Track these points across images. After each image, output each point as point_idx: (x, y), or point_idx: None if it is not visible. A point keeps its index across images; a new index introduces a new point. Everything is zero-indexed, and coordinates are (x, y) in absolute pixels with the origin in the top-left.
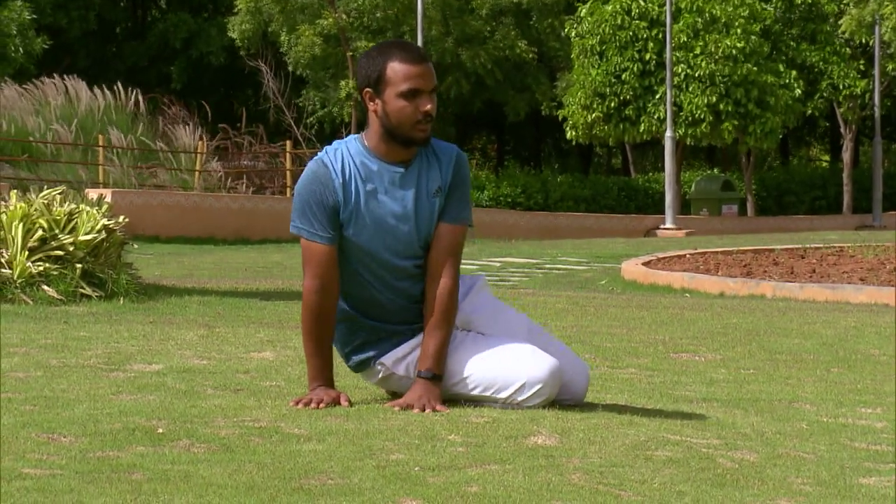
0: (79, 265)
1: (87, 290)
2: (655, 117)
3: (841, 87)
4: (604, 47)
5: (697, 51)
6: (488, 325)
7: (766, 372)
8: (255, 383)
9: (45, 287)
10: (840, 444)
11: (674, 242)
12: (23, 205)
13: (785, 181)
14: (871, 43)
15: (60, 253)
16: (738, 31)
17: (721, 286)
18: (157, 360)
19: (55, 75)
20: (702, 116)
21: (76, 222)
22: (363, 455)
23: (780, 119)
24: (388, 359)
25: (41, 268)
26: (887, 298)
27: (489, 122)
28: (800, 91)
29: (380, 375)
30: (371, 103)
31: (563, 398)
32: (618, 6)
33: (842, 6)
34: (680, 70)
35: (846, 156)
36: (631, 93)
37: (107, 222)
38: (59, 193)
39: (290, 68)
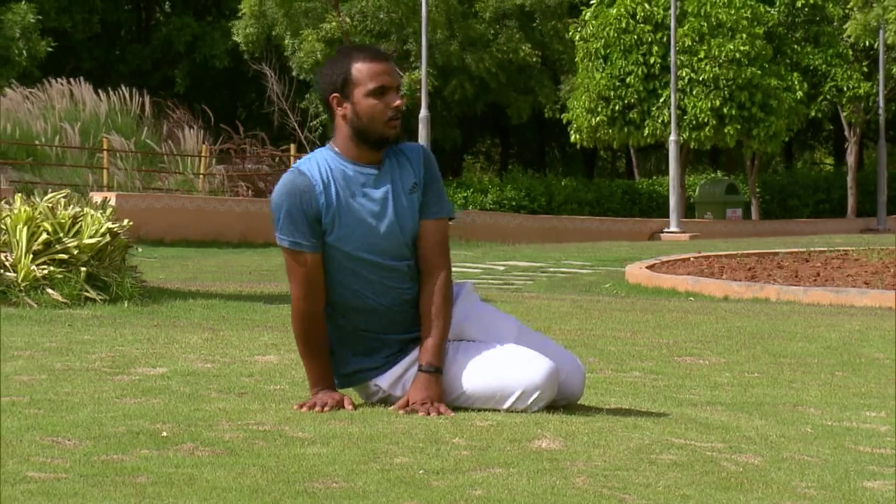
0: (83, 269)
1: (92, 294)
2: (660, 121)
3: (845, 89)
4: (608, 51)
5: (701, 55)
6: (479, 331)
7: (770, 375)
8: (259, 387)
9: (50, 290)
10: (844, 447)
11: (678, 246)
12: (27, 208)
13: (789, 184)
14: (875, 46)
15: (65, 256)
16: (742, 34)
17: (725, 290)
18: (161, 363)
19: (59, 78)
20: (706, 120)
21: (80, 226)
22: (367, 458)
23: (784, 122)
24: (384, 381)
25: (45, 271)
26: (891, 302)
27: (493, 126)
28: (803, 94)
29: (377, 396)
30: (339, 108)
31: (558, 400)
32: (622, 10)
33: (846, 10)
34: (684, 74)
35: (850, 159)
36: (635, 96)
37: (111, 226)
38: (64, 197)
39: (293, 72)
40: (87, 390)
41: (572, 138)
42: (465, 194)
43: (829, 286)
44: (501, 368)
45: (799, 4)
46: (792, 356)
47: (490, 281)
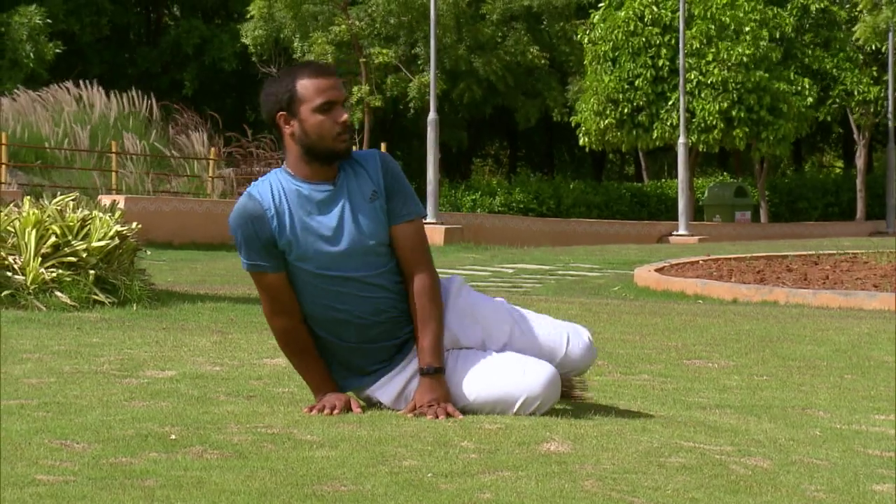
0: (92, 271)
1: (100, 297)
2: (668, 124)
3: (854, 93)
4: (617, 53)
5: (710, 57)
6: (474, 337)
7: (779, 378)
8: (267, 389)
9: (58, 293)
10: (853, 450)
11: (687, 249)
12: (36, 211)
13: (798, 187)
14: (884, 49)
15: (73, 259)
16: (749, 37)
17: (734, 292)
18: (169, 366)
19: (68, 81)
20: (714, 123)
21: (89, 229)
22: (376, 461)
23: (793, 126)
24: (385, 396)
25: (54, 274)
26: None
27: (501, 129)
28: (812, 98)
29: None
30: (287, 126)
31: (569, 371)
32: (631, 12)
33: (855, 13)
34: (692, 77)
35: (859, 162)
36: (644, 99)
37: (120, 228)
38: (73, 200)
39: None
40: (95, 393)
41: (581, 141)
42: (474, 197)
43: (838, 289)
44: (501, 379)
45: (813, 9)
46: (801, 359)
47: (499, 284)
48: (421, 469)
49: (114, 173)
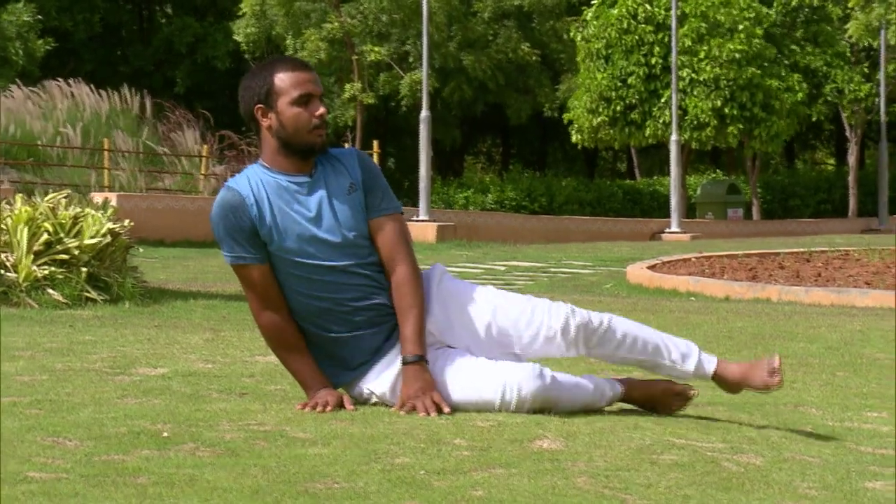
0: (84, 269)
1: (93, 294)
2: (661, 121)
3: (846, 91)
4: (609, 51)
5: (702, 55)
6: (458, 334)
7: None
8: (259, 387)
9: (51, 291)
10: (846, 448)
11: (679, 246)
12: (28, 209)
13: (790, 185)
14: (875, 46)
15: (66, 257)
16: (742, 35)
17: (727, 290)
18: (162, 363)
19: (60, 78)
20: (707, 120)
21: (81, 226)
22: (368, 459)
23: (785, 123)
24: (378, 388)
25: (46, 271)
26: (893, 302)
27: (493, 126)
28: (804, 95)
29: (372, 400)
30: (264, 119)
31: (566, 352)
32: (624, 10)
33: (846, 10)
34: (685, 74)
35: (851, 159)
36: (636, 97)
37: (112, 226)
38: (65, 197)
39: None
40: (87, 391)
41: (573, 138)
42: (466, 194)
43: (830, 286)
44: (479, 382)
45: (794, 4)
46: (793, 356)
47: (491, 281)
48: (413, 466)
49: (106, 171)
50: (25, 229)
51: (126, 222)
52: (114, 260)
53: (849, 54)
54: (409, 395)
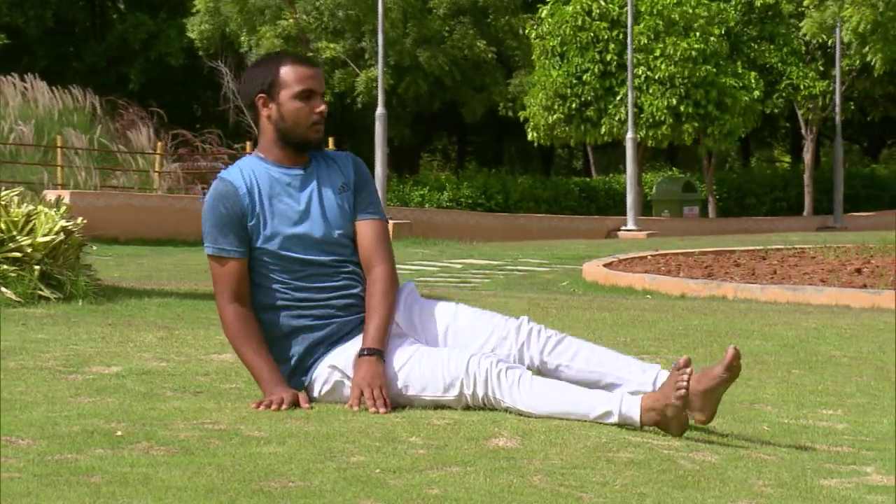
0: (37, 267)
1: (46, 292)
2: (616, 119)
3: (801, 87)
4: (564, 48)
5: (657, 53)
6: (420, 337)
7: None
8: (214, 386)
9: (3, 289)
10: (801, 445)
11: (635, 244)
12: None
13: (746, 182)
14: (830, 43)
15: (18, 255)
16: (698, 33)
17: (682, 287)
18: (115, 362)
19: (13, 74)
20: (662, 118)
21: (34, 224)
22: (324, 457)
23: (740, 120)
24: (339, 360)
25: None
26: (848, 300)
27: (449, 123)
28: (759, 92)
29: (333, 380)
30: (265, 109)
31: (528, 367)
32: (578, 7)
33: (800, 8)
34: (640, 72)
35: (807, 157)
36: (592, 94)
37: (65, 224)
38: (17, 195)
39: None
40: (40, 389)
41: (529, 136)
42: (422, 192)
43: (785, 284)
44: (442, 355)
45: (758, 4)
46: (749, 354)
47: (447, 279)
48: (369, 465)
49: (59, 168)
50: None
51: (79, 220)
52: (67, 258)
53: (804, 51)
54: (358, 381)
